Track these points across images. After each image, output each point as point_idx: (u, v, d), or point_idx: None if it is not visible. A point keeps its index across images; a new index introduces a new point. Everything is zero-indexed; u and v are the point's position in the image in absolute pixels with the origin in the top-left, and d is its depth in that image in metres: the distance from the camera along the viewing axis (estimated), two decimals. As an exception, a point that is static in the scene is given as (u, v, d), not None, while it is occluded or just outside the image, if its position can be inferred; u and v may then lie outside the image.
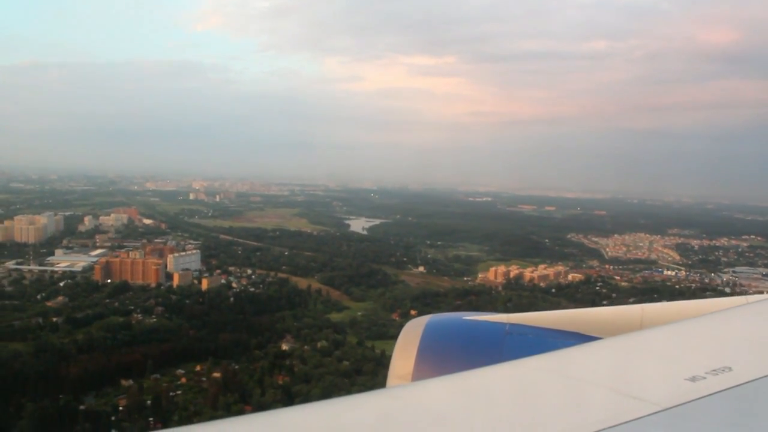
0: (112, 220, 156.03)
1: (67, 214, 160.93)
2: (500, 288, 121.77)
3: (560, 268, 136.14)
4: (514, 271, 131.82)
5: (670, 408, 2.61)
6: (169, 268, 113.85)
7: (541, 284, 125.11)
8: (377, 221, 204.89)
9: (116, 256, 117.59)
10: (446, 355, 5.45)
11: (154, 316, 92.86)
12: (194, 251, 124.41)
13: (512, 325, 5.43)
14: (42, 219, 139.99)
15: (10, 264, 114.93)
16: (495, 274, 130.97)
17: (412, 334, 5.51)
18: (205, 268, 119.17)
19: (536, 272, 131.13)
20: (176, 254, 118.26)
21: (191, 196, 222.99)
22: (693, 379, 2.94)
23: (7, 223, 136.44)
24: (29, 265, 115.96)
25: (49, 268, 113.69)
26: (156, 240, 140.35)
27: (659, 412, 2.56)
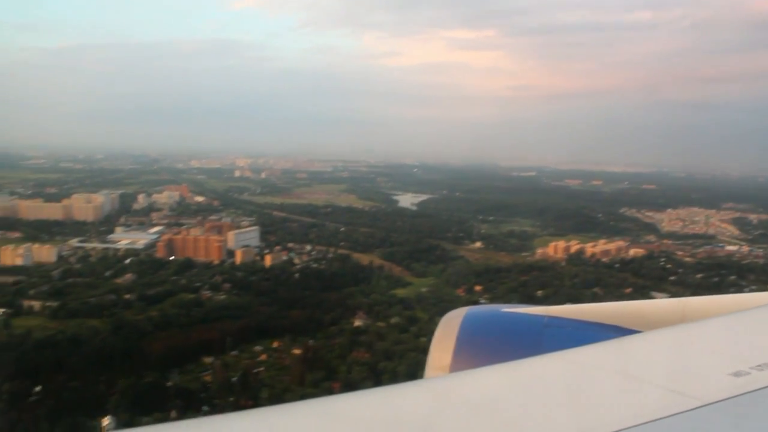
0: (164, 197, 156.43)
1: (119, 192, 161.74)
2: (563, 263, 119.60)
3: (621, 243, 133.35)
4: (574, 246, 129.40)
5: (713, 403, 2.58)
6: (230, 245, 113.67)
7: (603, 259, 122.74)
8: (424, 196, 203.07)
9: (177, 234, 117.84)
10: (484, 348, 5.45)
11: (222, 293, 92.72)
12: (253, 228, 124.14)
13: (551, 317, 5.45)
14: (99, 197, 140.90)
15: (74, 242, 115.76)
16: (555, 249, 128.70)
17: (450, 325, 5.51)
18: (264, 245, 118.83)
19: (597, 247, 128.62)
20: (237, 231, 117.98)
21: (237, 174, 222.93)
22: (737, 374, 2.88)
23: (65, 201, 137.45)
24: (92, 242, 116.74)
25: (111, 246, 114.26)
26: (210, 217, 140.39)
27: (701, 407, 2.55)
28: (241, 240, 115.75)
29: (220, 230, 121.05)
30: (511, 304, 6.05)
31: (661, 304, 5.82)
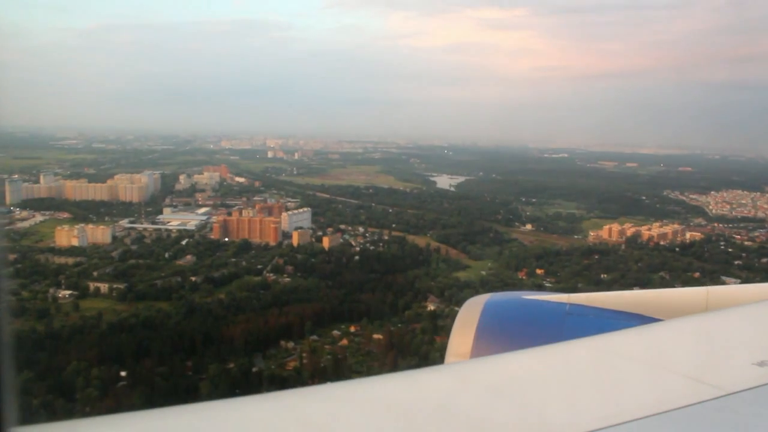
0: (206, 178, 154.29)
1: (157, 173, 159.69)
2: (623, 247, 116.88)
3: (676, 226, 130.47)
4: (629, 229, 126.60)
5: (736, 392, 2.57)
6: (283, 226, 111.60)
7: (661, 243, 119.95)
8: (461, 178, 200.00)
9: (229, 215, 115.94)
10: (505, 334, 5.39)
11: (286, 276, 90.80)
12: (305, 209, 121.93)
13: (573, 305, 5.39)
14: (143, 178, 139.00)
15: (124, 222, 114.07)
16: (609, 232, 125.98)
17: (471, 312, 5.49)
18: (316, 226, 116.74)
19: (652, 230, 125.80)
20: (290, 212, 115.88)
21: (269, 154, 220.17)
22: (761, 363, 2.86)
23: (109, 182, 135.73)
24: (141, 223, 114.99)
25: (162, 227, 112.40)
26: (254, 198, 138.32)
27: (724, 396, 2.54)
28: (294, 221, 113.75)
29: (270, 211, 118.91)
30: (533, 291, 6.02)
31: (684, 293, 5.74)
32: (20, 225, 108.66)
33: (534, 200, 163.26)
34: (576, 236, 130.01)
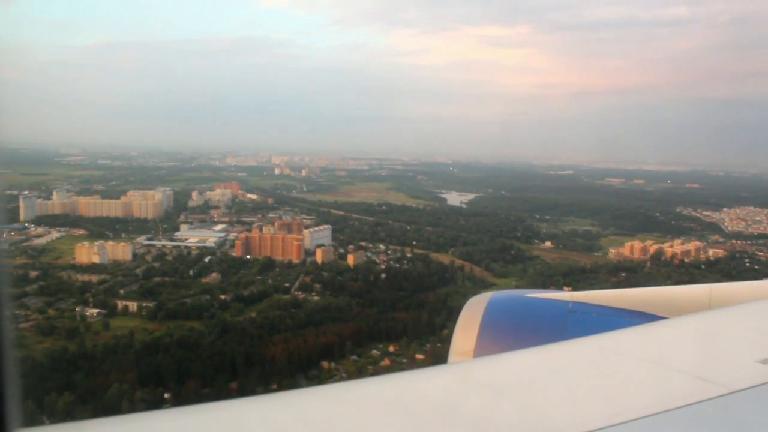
0: (218, 195, 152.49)
1: (170, 189, 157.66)
2: (648, 263, 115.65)
3: (698, 243, 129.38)
4: (651, 246, 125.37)
5: (740, 390, 2.56)
6: (305, 243, 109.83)
7: (685, 260, 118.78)
8: (471, 195, 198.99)
9: (248, 231, 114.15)
10: (508, 333, 5.34)
11: (314, 294, 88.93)
12: (326, 226, 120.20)
13: (576, 303, 5.37)
14: (157, 194, 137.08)
15: (142, 239, 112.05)
16: (631, 249, 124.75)
17: (474, 310, 5.45)
18: (336, 244, 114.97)
19: (675, 247, 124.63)
20: (312, 229, 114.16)
21: (276, 171, 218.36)
22: (765, 361, 2.84)
23: (123, 198, 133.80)
24: (159, 240, 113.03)
25: (181, 244, 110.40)
26: (269, 215, 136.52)
27: (728, 394, 2.52)
28: (316, 238, 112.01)
29: (290, 228, 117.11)
30: (536, 289, 5.95)
31: (687, 291, 5.60)
32: (36, 241, 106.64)
33: (547, 217, 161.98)
34: (596, 253, 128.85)
